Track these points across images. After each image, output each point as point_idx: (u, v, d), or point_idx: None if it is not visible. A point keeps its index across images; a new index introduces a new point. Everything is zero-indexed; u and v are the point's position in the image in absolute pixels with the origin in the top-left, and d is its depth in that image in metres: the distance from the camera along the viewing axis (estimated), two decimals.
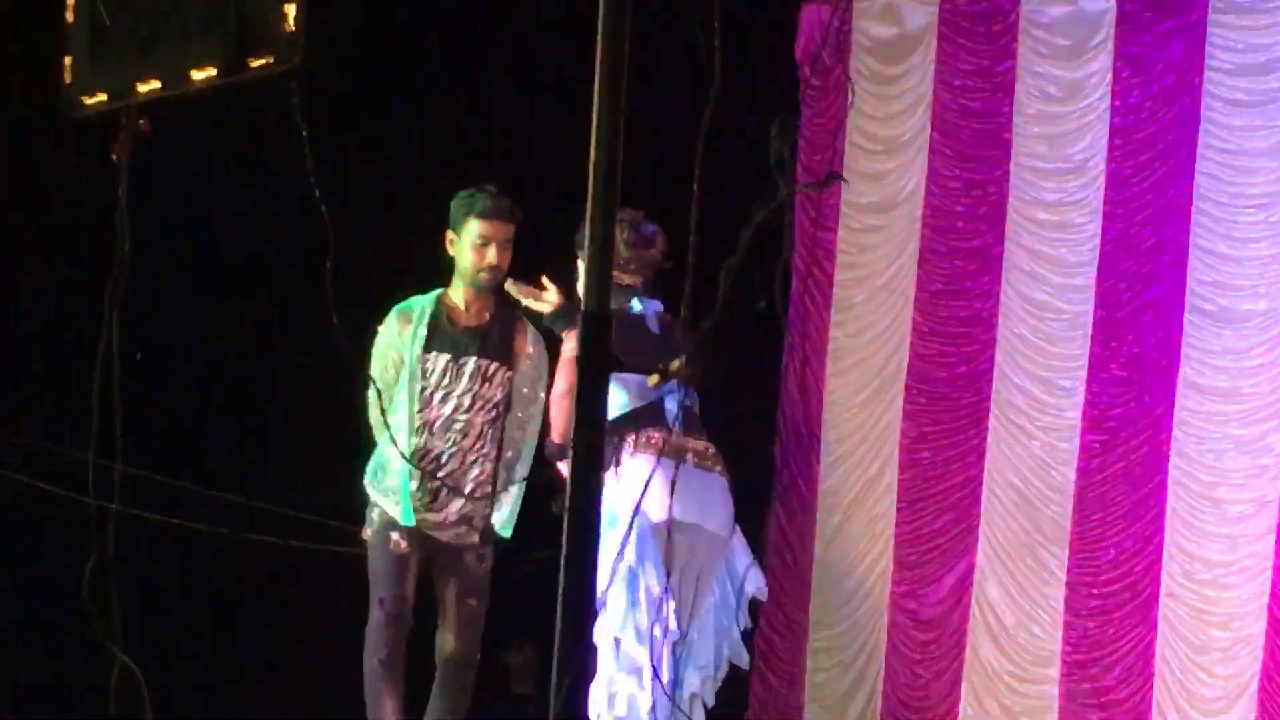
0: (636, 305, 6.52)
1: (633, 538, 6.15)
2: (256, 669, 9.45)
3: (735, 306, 3.26)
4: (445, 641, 6.75)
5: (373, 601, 6.76)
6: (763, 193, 2.77)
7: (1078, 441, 9.59)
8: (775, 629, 10.23)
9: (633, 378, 6.35)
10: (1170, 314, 9.45)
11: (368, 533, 6.83)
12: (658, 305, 6.57)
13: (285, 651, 9.46)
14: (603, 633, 6.26)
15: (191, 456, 9.01)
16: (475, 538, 6.79)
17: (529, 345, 6.86)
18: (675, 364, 4.65)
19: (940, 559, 9.89)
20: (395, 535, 6.72)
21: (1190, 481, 9.32)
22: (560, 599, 2.92)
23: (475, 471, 6.76)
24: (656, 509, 6.20)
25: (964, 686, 9.72)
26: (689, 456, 6.38)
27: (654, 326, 6.51)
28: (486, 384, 6.77)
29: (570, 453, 6.28)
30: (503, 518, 6.83)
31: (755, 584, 6.56)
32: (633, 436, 6.32)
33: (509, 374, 6.81)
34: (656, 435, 6.32)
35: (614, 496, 6.19)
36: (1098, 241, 9.67)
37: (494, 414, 6.78)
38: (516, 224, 6.80)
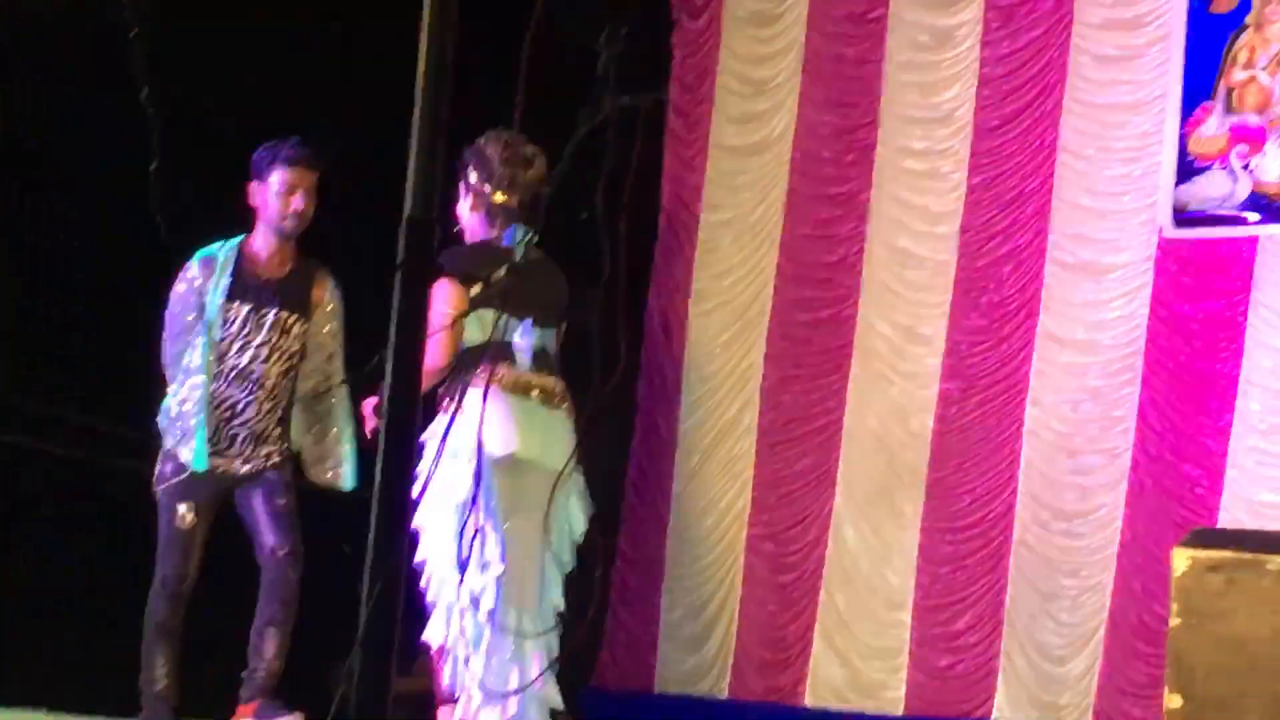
0: (507, 237, 6.46)
1: (466, 471, 6.13)
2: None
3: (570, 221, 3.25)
4: (264, 540, 6.76)
5: (157, 569, 6.77)
6: (586, 106, 2.77)
7: (936, 389, 9.68)
8: (631, 566, 10.26)
9: (489, 314, 6.32)
10: (1031, 264, 9.54)
11: (158, 489, 6.83)
12: (530, 234, 6.51)
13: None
14: (436, 561, 6.23)
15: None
16: (275, 460, 6.82)
17: (326, 296, 6.93)
18: (497, 274, 4.59)
19: (798, 501, 9.94)
20: (182, 509, 6.75)
21: (1045, 431, 9.42)
22: (375, 506, 2.90)
23: (271, 420, 6.82)
24: (494, 444, 6.18)
25: (817, 628, 9.78)
26: (534, 394, 6.36)
27: (520, 256, 6.45)
28: (285, 335, 6.84)
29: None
30: (343, 471, 6.88)
31: (581, 527, 6.53)
32: (479, 371, 6.28)
33: (306, 325, 6.87)
34: (503, 370, 6.29)
35: (454, 429, 6.16)
36: (963, 190, 9.75)
37: (290, 365, 6.86)
38: (320, 172, 6.84)
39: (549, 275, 6.52)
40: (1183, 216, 9.22)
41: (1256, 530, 8.12)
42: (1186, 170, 9.22)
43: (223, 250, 6.84)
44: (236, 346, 6.76)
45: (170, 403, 6.81)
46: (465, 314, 6.11)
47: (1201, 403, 9.08)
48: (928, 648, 9.49)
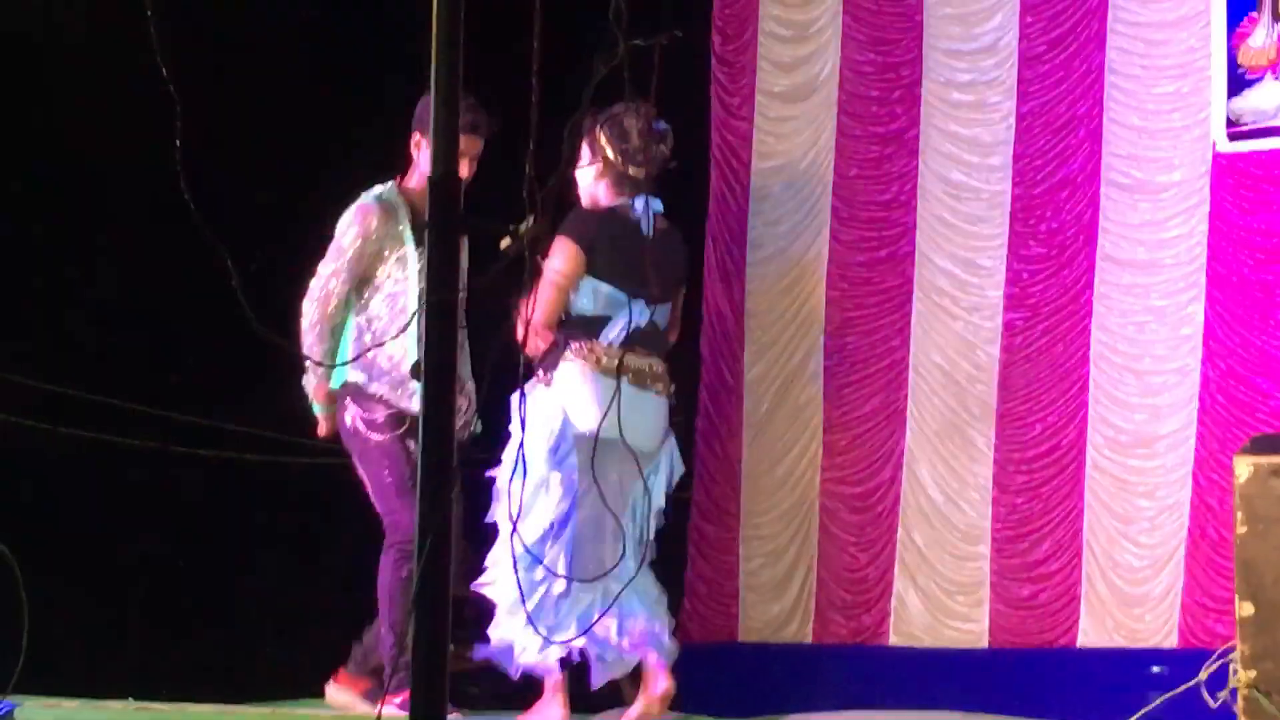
0: (637, 207, 6.44)
1: (548, 447, 6.16)
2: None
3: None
4: None
5: (399, 509, 6.58)
6: (600, 48, 2.77)
7: (1000, 320, 9.64)
8: (707, 518, 10.27)
9: (605, 287, 6.32)
10: (1087, 189, 9.49)
11: (372, 435, 6.66)
12: (658, 205, 6.50)
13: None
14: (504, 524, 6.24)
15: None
16: (465, 433, 6.72)
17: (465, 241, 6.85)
18: (523, 226, 4.54)
19: (869, 442, 9.92)
20: (411, 444, 6.59)
21: (1112, 354, 9.38)
22: (420, 459, 2.92)
23: (463, 369, 6.72)
24: (579, 420, 6.19)
25: (897, 567, 9.77)
26: (627, 375, 6.34)
27: (647, 229, 6.45)
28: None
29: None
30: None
31: (660, 501, 6.56)
32: (576, 344, 6.29)
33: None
34: (598, 347, 6.28)
35: (541, 402, 6.20)
36: (1013, 120, 9.69)
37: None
38: (488, 138, 6.74)
39: (672, 248, 6.50)
40: (1236, 130, 9.15)
41: None
42: (1237, 83, 9.14)
43: (391, 194, 6.73)
44: (418, 293, 6.65)
45: (367, 361, 6.62)
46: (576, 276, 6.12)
47: (1267, 314, 9.02)
48: (1008, 579, 9.47)
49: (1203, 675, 4.35)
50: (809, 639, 9.97)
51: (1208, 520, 8.90)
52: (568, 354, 6.29)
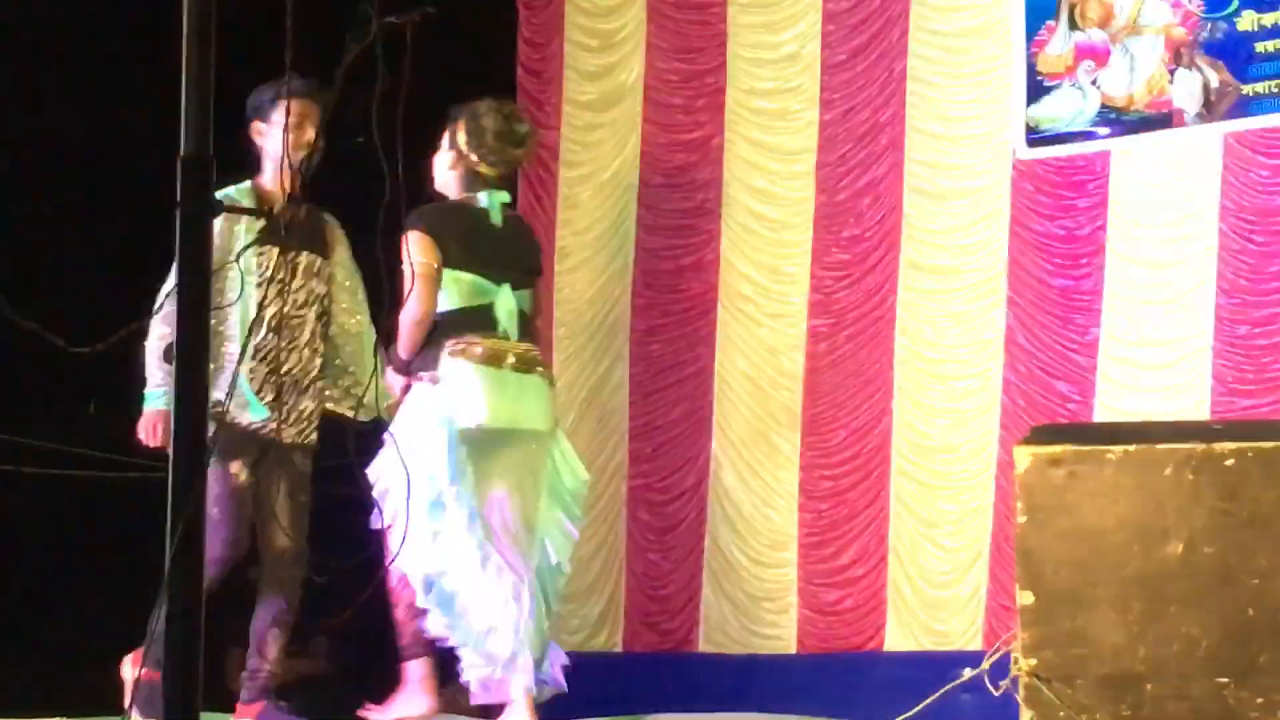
0: (482, 199, 6.45)
1: (443, 450, 6.05)
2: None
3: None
4: (275, 538, 6.44)
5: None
6: (352, 28, 2.74)
7: (805, 326, 9.69)
8: None
9: (466, 275, 6.30)
10: (889, 195, 9.57)
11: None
12: (504, 197, 6.52)
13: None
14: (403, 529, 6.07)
15: None
16: (314, 436, 6.54)
17: (339, 235, 6.67)
18: (280, 206, 4.42)
19: (675, 450, 9.94)
20: (234, 466, 6.35)
21: (916, 360, 9.45)
22: (173, 447, 2.86)
23: (312, 368, 6.53)
24: (463, 416, 6.12)
25: (705, 574, 9.79)
26: (508, 362, 6.32)
27: (498, 220, 6.47)
28: (315, 278, 6.57)
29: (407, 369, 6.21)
30: (370, 398, 6.56)
31: (577, 480, 6.48)
32: (451, 342, 6.23)
33: (328, 267, 6.63)
34: (478, 341, 6.23)
35: (429, 404, 6.10)
36: (816, 128, 9.75)
37: (320, 308, 6.58)
38: (322, 106, 6.48)
39: (523, 235, 6.53)
40: (1035, 136, 9.27)
41: (1095, 423, 8.21)
42: (1036, 90, 9.26)
43: (239, 193, 6.46)
44: (272, 292, 6.44)
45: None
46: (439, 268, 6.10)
47: (1068, 319, 9.14)
48: (815, 585, 9.51)
49: (985, 665, 4.37)
50: (619, 648, 9.96)
51: (1010, 524, 8.95)
52: (445, 352, 6.22)
